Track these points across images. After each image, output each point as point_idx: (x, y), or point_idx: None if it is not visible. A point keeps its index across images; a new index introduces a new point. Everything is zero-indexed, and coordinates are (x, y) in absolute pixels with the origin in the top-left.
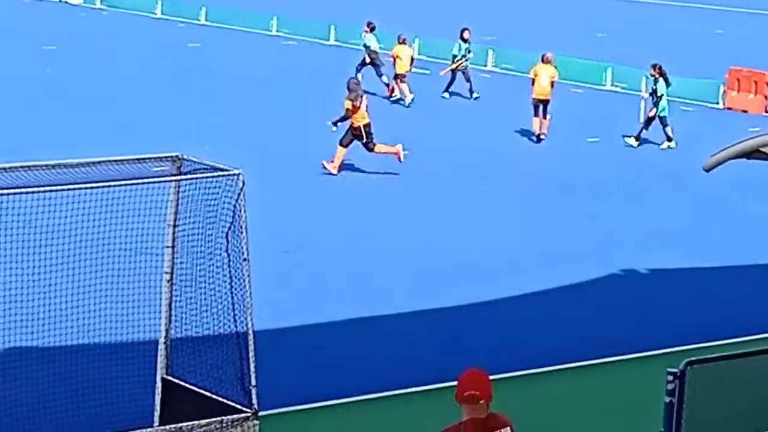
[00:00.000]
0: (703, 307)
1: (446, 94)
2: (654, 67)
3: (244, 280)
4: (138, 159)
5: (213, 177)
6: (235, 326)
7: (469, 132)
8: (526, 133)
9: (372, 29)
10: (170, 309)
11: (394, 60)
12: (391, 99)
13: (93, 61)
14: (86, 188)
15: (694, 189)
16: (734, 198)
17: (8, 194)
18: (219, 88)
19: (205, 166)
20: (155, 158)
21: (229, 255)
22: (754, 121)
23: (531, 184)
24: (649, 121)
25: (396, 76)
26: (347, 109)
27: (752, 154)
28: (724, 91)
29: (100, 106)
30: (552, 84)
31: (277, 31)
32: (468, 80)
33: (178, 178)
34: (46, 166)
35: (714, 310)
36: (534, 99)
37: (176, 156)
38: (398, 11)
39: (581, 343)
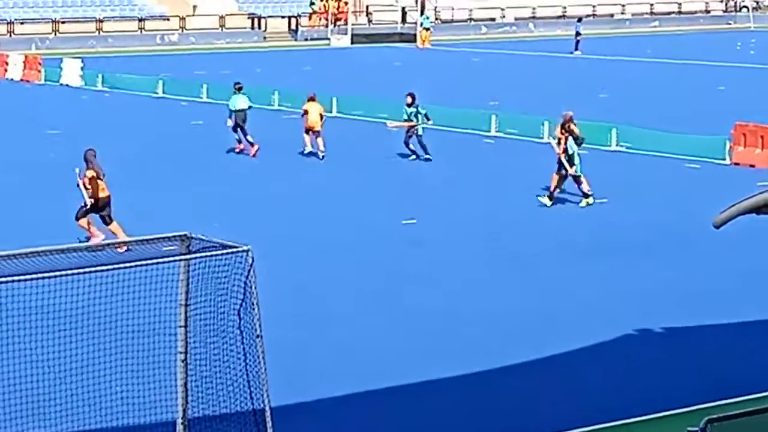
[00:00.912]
0: (720, 364)
1: (428, 156)
2: (563, 125)
3: (258, 357)
4: (147, 240)
5: (222, 255)
6: (252, 403)
7: (476, 196)
8: (533, 195)
9: (239, 89)
10: (186, 388)
11: (304, 114)
12: (304, 153)
13: (97, 143)
14: (96, 271)
15: (704, 245)
16: (745, 254)
17: (20, 281)
18: (224, 164)
19: (214, 244)
20: (164, 238)
21: (242, 332)
22: (762, 176)
23: (540, 244)
24: (566, 178)
25: (307, 130)
26: (89, 180)
27: (762, 208)
28: (731, 147)
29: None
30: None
31: (278, 105)
32: (408, 142)
33: (188, 257)
34: (56, 251)
35: (731, 367)
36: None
37: (185, 235)
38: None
39: (598, 404)
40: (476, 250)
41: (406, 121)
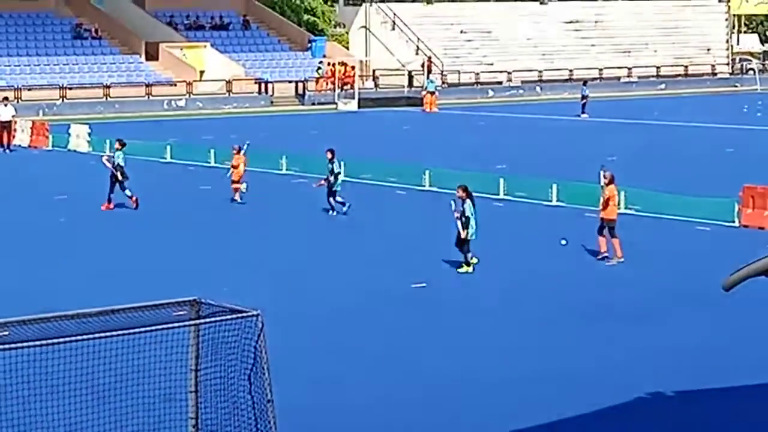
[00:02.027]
0: (732, 430)
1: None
2: (460, 188)
3: (269, 422)
4: (157, 305)
5: (232, 319)
6: None
7: (487, 259)
8: (542, 258)
9: (123, 146)
10: None
11: (233, 168)
12: (234, 201)
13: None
14: (107, 337)
15: (714, 308)
16: (759, 316)
17: (30, 347)
18: (234, 228)
19: (224, 309)
20: (174, 303)
21: (252, 397)
22: None
23: (550, 307)
24: (461, 242)
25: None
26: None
27: None
28: (740, 209)
29: (115, 253)
30: None
31: (286, 169)
32: (331, 196)
33: (198, 322)
34: (65, 316)
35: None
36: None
37: (194, 300)
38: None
39: None
40: (486, 315)
41: (325, 179)
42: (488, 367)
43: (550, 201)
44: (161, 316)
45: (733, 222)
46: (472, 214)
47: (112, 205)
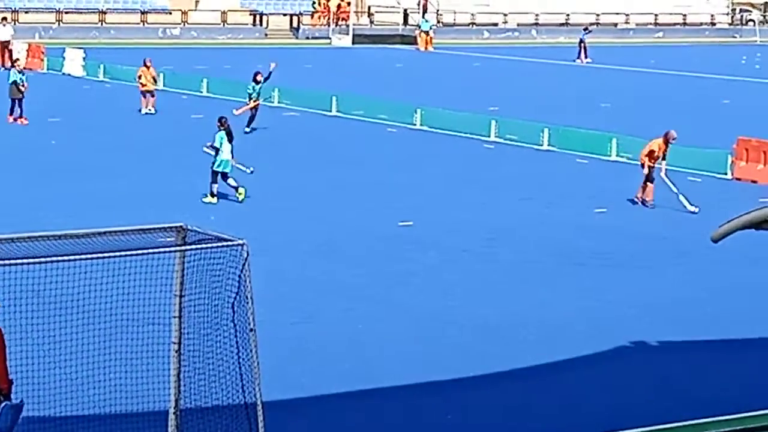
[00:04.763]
0: (714, 379)
1: (248, 129)
2: (219, 120)
3: (251, 351)
4: (143, 229)
5: (217, 247)
6: (244, 396)
7: (473, 201)
8: (530, 202)
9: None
10: (179, 379)
11: (139, 78)
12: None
13: (97, 132)
14: (92, 258)
15: (702, 259)
16: (745, 269)
17: (15, 264)
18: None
19: (210, 237)
20: (160, 228)
21: (235, 325)
22: (763, 192)
23: (536, 252)
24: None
25: (143, 93)
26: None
27: (761, 224)
28: (733, 162)
29: (106, 177)
30: None
31: (278, 102)
32: (252, 117)
33: (183, 248)
34: (53, 236)
35: (725, 382)
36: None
37: (180, 226)
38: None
39: (590, 416)
40: (472, 256)
41: (251, 99)
42: (468, 309)
43: (541, 145)
44: (147, 240)
45: (726, 174)
46: (220, 145)
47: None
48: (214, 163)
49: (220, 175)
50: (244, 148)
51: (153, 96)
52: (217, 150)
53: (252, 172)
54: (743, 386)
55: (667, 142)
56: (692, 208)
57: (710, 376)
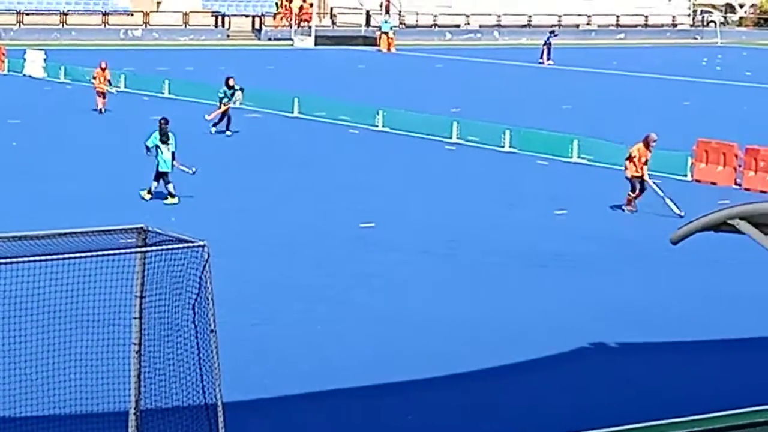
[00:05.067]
0: (672, 381)
1: (213, 129)
2: (160, 121)
3: (212, 352)
4: (103, 231)
5: (178, 249)
6: (204, 398)
7: (435, 202)
8: (492, 203)
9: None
10: (139, 380)
11: (95, 79)
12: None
13: (57, 133)
14: (53, 260)
15: (662, 261)
16: (703, 271)
17: None
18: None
19: (171, 238)
20: (120, 230)
21: (196, 326)
22: (722, 194)
23: (497, 253)
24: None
25: (99, 94)
26: None
27: (720, 226)
28: (693, 163)
29: (66, 178)
30: None
31: (241, 103)
32: (229, 119)
33: (144, 249)
34: (13, 237)
35: (682, 384)
36: None
37: (141, 227)
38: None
39: (548, 416)
40: (433, 257)
41: (222, 103)
42: (429, 310)
43: (503, 147)
44: (108, 242)
45: (686, 176)
46: (153, 146)
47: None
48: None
49: (161, 175)
50: (207, 149)
51: (105, 97)
52: (156, 149)
53: (195, 172)
54: (703, 387)
55: (648, 146)
56: (679, 212)
57: (669, 378)
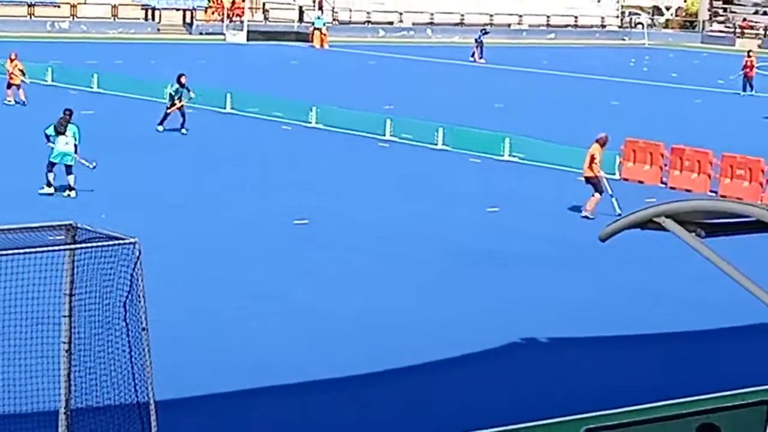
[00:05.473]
0: (601, 374)
1: (160, 127)
2: (65, 112)
3: (143, 350)
4: (31, 228)
5: (109, 246)
6: (136, 396)
7: (369, 199)
8: (425, 201)
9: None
10: (70, 379)
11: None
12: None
13: None
14: None
15: (592, 258)
16: (631, 267)
17: None
18: (115, 156)
19: (101, 235)
20: (49, 227)
21: (127, 324)
22: (649, 192)
23: (429, 251)
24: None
25: (9, 85)
26: None
27: (646, 224)
28: (621, 162)
29: None
30: None
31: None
32: (184, 118)
33: (73, 247)
34: None
35: (612, 378)
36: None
37: (70, 224)
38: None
39: (481, 411)
40: (367, 254)
41: (173, 100)
42: (362, 307)
43: (436, 144)
44: (36, 239)
45: (614, 174)
46: (51, 136)
47: None
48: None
49: (52, 165)
50: (139, 145)
51: (20, 88)
52: (49, 139)
53: (95, 167)
54: (633, 381)
55: (603, 146)
56: (620, 211)
57: (599, 371)
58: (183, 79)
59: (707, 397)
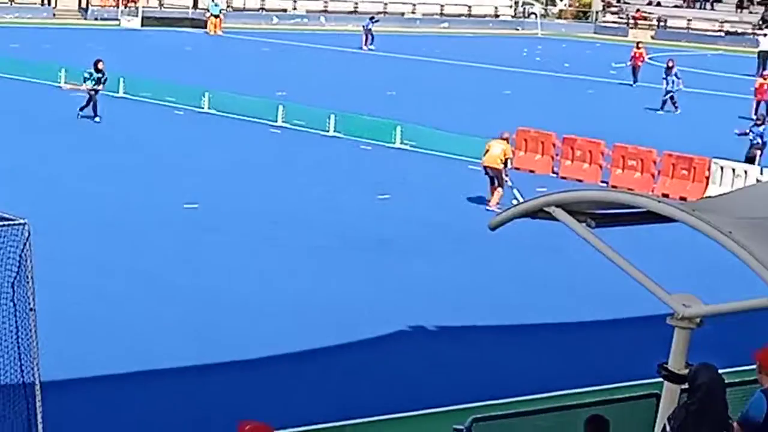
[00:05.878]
0: (488, 364)
1: (80, 113)
2: None
3: (30, 331)
4: None
5: None
6: (22, 377)
7: (260, 185)
8: (316, 187)
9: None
10: None
11: None
12: None
13: None
14: None
15: (482, 246)
16: (521, 255)
17: None
18: (7, 137)
19: None
20: None
21: (15, 305)
22: (540, 181)
23: (319, 236)
24: None
25: None
26: None
27: (537, 213)
28: (512, 151)
29: None
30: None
31: (65, 82)
32: (95, 104)
33: None
34: None
35: (498, 368)
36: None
37: None
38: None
39: (365, 399)
40: (256, 240)
41: (85, 82)
42: (250, 291)
43: (327, 131)
44: None
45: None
46: None
47: None
48: None
49: None
50: (30, 128)
51: None
52: None
53: None
54: (522, 371)
55: (507, 141)
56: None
57: (489, 361)
58: (100, 65)
59: (597, 389)
